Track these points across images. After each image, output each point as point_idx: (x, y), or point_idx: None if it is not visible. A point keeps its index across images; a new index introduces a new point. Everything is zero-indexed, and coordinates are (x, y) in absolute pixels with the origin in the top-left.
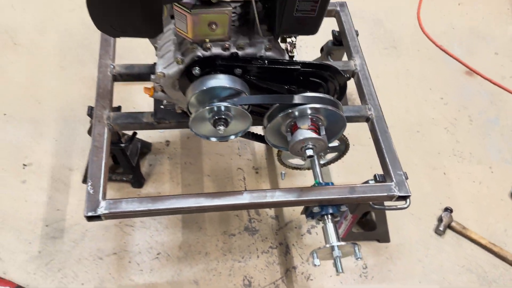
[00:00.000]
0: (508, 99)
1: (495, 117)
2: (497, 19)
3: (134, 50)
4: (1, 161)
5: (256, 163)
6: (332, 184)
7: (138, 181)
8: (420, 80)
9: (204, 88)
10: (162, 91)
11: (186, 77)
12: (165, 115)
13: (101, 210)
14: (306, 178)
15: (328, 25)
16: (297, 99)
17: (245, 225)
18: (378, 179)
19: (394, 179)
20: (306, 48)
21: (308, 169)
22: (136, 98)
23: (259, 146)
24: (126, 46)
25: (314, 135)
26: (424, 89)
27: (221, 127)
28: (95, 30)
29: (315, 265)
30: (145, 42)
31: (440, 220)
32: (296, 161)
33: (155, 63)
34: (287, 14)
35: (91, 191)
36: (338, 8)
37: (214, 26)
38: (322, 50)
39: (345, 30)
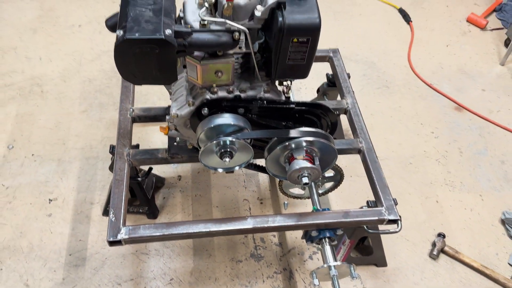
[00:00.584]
0: (495, 132)
1: (483, 149)
2: (484, 58)
3: (151, 96)
4: (29, 196)
5: (260, 194)
6: (329, 209)
7: (152, 212)
8: (412, 116)
9: (212, 125)
10: (176, 129)
11: (196, 117)
12: (178, 151)
13: (121, 236)
14: (307, 207)
15: (324, 69)
16: (292, 133)
17: (251, 251)
18: (370, 205)
19: (384, 204)
20: (306, 90)
21: (308, 198)
22: (151, 138)
23: (263, 179)
24: (144, 93)
25: (308, 164)
26: (416, 124)
27: (227, 159)
28: (112, 77)
29: (314, 284)
30: (159, 89)
31: (433, 245)
32: (297, 190)
33: (169, 106)
34: (281, 63)
35: (113, 219)
36: (331, 54)
37: (220, 74)
38: (318, 91)
39: (337, 73)
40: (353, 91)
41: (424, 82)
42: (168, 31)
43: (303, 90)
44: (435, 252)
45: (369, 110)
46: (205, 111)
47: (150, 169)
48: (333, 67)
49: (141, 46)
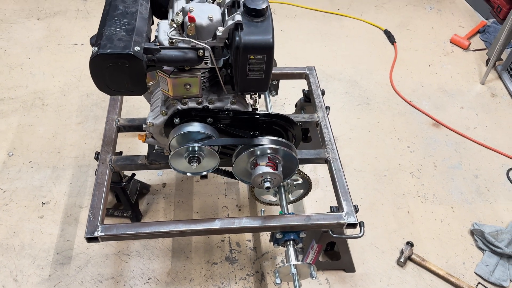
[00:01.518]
0: (471, 147)
1: (458, 163)
2: (465, 77)
3: (143, 109)
4: (24, 200)
5: (239, 202)
6: (293, 213)
7: (136, 216)
8: (390, 132)
9: (182, 132)
10: (152, 137)
11: (169, 125)
12: (156, 157)
13: (98, 233)
14: None
15: (306, 85)
16: (256, 140)
17: (226, 255)
18: (332, 210)
19: (345, 209)
20: (290, 105)
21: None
22: (140, 148)
23: (243, 188)
24: (136, 106)
25: (270, 170)
26: (393, 139)
27: (194, 164)
28: None
29: (276, 283)
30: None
31: (401, 252)
32: (269, 197)
33: None
34: (242, 77)
35: (91, 218)
36: (307, 72)
37: (188, 87)
38: (296, 105)
39: (312, 89)
40: (326, 106)
41: (404, 99)
42: (137, 48)
43: (286, 105)
44: (402, 260)
45: (348, 125)
46: (176, 120)
47: (133, 175)
48: (308, 84)
49: (112, 61)
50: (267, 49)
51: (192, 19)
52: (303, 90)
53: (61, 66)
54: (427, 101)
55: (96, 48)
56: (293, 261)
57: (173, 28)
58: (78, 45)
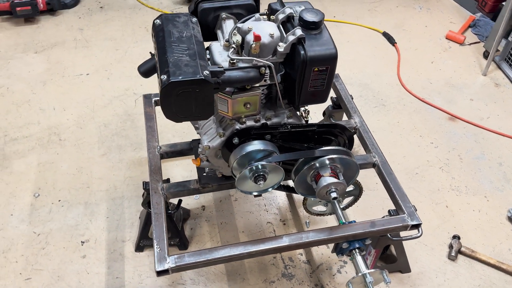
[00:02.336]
0: (489, 137)
1: (481, 153)
2: (467, 71)
3: (165, 133)
4: (62, 241)
5: (282, 216)
6: (355, 221)
7: (183, 244)
8: (411, 130)
9: (244, 153)
10: (207, 160)
11: (227, 146)
12: (208, 180)
13: (168, 265)
14: (327, 224)
15: None
16: (318, 152)
17: (281, 271)
18: (392, 213)
19: (405, 211)
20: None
21: (330, 214)
22: (171, 172)
23: (283, 201)
24: (159, 131)
25: (335, 180)
26: (416, 137)
27: (261, 182)
28: (126, 120)
29: None
30: (172, 126)
31: (450, 247)
32: (319, 208)
33: (192, 140)
34: (304, 90)
35: (158, 250)
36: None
37: (248, 105)
38: (324, 113)
39: (341, 95)
40: (358, 111)
41: (417, 97)
42: (205, 72)
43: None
44: (453, 254)
45: (370, 128)
46: (235, 140)
47: (180, 201)
48: (336, 91)
49: (184, 87)
50: (332, 60)
51: (258, 38)
52: (331, 97)
53: (71, 98)
54: (437, 96)
55: (166, 76)
56: (364, 269)
57: (232, 49)
58: (84, 75)
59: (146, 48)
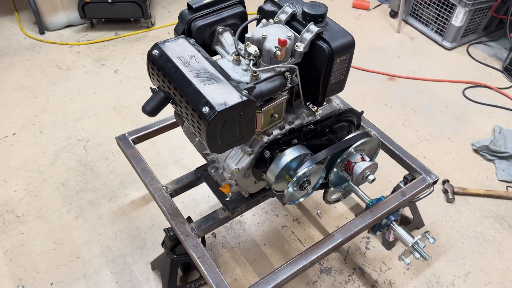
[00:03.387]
0: (427, 86)
1: (428, 102)
2: (382, 32)
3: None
4: None
5: (293, 215)
6: (383, 197)
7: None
8: (363, 98)
9: (283, 166)
10: (236, 184)
11: (258, 164)
12: (236, 204)
13: None
14: (336, 209)
15: None
16: (346, 143)
17: (318, 269)
18: (408, 178)
19: (421, 172)
20: None
21: (344, 198)
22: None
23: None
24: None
25: (368, 163)
26: (370, 103)
27: (308, 186)
28: (85, 171)
29: (407, 263)
30: (171, 156)
31: (445, 191)
32: (335, 195)
33: (197, 169)
34: (327, 84)
35: None
36: None
37: (275, 115)
38: None
39: None
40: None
41: (354, 67)
42: (244, 92)
43: None
44: (450, 196)
45: None
46: (267, 154)
47: (204, 237)
48: None
49: (231, 113)
50: (352, 48)
51: (284, 43)
52: None
53: (7, 166)
54: (370, 62)
55: (208, 108)
56: (411, 238)
57: (251, 61)
58: (10, 137)
59: (69, 88)
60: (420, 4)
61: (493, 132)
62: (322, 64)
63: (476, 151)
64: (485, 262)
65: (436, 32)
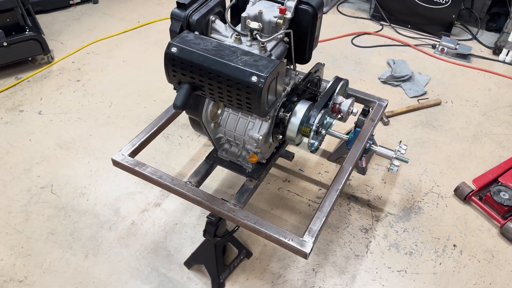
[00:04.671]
0: (325, 46)
1: (332, 58)
2: None
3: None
4: None
5: (281, 178)
6: (359, 129)
7: (246, 251)
8: None
9: (300, 120)
10: (261, 152)
11: (276, 125)
12: (258, 172)
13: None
14: (311, 160)
15: None
16: (333, 88)
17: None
18: (366, 109)
19: (375, 100)
20: None
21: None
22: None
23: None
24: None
25: (350, 100)
26: None
27: (323, 130)
28: (68, 212)
29: (395, 171)
30: (176, 155)
31: (380, 118)
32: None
33: (207, 158)
34: (312, 40)
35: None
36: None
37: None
38: None
39: None
40: None
41: None
42: (272, 57)
43: None
44: (386, 120)
45: None
46: (281, 114)
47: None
48: None
49: (273, 76)
50: (323, 5)
51: (283, 10)
52: None
53: None
54: None
55: (256, 77)
56: (392, 152)
57: (256, 33)
58: None
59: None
60: None
61: (389, 65)
62: (307, 24)
63: (384, 82)
64: (432, 157)
65: None
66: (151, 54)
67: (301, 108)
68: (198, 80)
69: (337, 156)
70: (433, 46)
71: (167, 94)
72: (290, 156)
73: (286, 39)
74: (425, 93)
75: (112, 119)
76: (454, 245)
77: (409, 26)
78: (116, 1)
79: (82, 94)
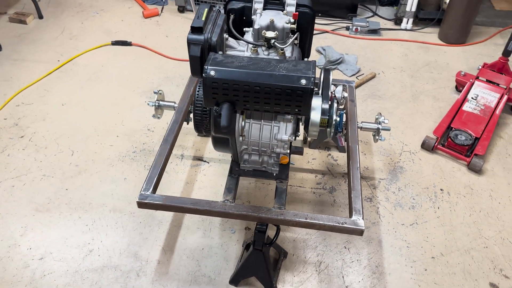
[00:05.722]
0: None
1: None
2: (187, 26)
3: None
4: None
5: None
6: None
7: (284, 252)
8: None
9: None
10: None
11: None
12: (284, 172)
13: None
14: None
15: None
16: (330, 78)
17: (313, 190)
18: (345, 86)
19: (340, 83)
20: None
21: None
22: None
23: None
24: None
25: (340, 86)
26: None
27: (338, 118)
28: (73, 282)
29: (383, 139)
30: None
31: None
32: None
33: (230, 173)
34: (311, 38)
35: None
36: None
37: None
38: None
39: None
40: None
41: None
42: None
43: None
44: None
45: None
46: None
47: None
48: None
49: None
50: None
51: (296, 16)
52: None
53: None
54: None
55: (305, 80)
56: (376, 124)
57: (274, 41)
58: None
59: None
60: None
61: (319, 52)
62: (308, 25)
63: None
64: (389, 122)
65: None
66: (90, 91)
67: (316, 103)
68: (243, 96)
69: (318, 143)
70: (347, 28)
71: (127, 126)
72: (300, 151)
73: (296, 41)
74: (360, 70)
75: (82, 166)
76: (441, 189)
77: (319, 14)
78: (21, 44)
79: (34, 149)
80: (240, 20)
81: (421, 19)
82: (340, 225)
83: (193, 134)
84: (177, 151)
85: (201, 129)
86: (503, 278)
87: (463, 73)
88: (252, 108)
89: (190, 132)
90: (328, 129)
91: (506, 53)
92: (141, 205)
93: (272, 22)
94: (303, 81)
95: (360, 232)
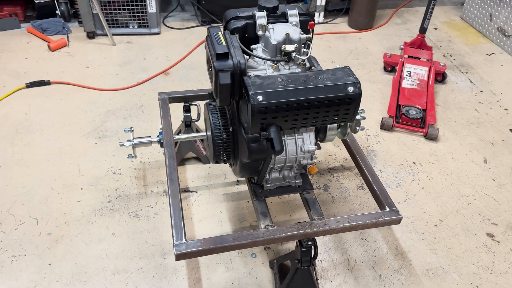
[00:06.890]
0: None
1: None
2: (106, 53)
3: None
4: None
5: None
6: None
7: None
8: None
9: None
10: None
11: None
12: (308, 181)
13: None
14: None
15: None
16: None
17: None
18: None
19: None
20: None
21: None
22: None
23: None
24: None
25: None
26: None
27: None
28: None
29: (364, 129)
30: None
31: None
32: None
33: (256, 196)
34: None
35: None
36: None
37: None
38: None
39: None
40: None
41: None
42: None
43: None
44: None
45: None
46: None
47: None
48: None
49: None
50: None
51: (312, 25)
52: None
53: None
54: (133, 79)
55: (352, 87)
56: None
57: (294, 54)
58: None
59: None
60: (111, 12)
61: None
62: (310, 32)
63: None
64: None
65: (140, 27)
66: (25, 145)
67: None
68: (293, 115)
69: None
70: None
71: (88, 175)
72: None
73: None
74: None
75: (56, 233)
76: (413, 162)
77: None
78: None
79: None
80: (244, 39)
81: (330, 11)
82: (381, 219)
83: (163, 166)
84: (157, 188)
85: (221, 157)
86: (493, 226)
87: (389, 54)
88: (299, 125)
89: (161, 165)
90: (344, 129)
91: (422, 30)
92: (180, 256)
93: (288, 35)
94: (351, 88)
95: (399, 221)
